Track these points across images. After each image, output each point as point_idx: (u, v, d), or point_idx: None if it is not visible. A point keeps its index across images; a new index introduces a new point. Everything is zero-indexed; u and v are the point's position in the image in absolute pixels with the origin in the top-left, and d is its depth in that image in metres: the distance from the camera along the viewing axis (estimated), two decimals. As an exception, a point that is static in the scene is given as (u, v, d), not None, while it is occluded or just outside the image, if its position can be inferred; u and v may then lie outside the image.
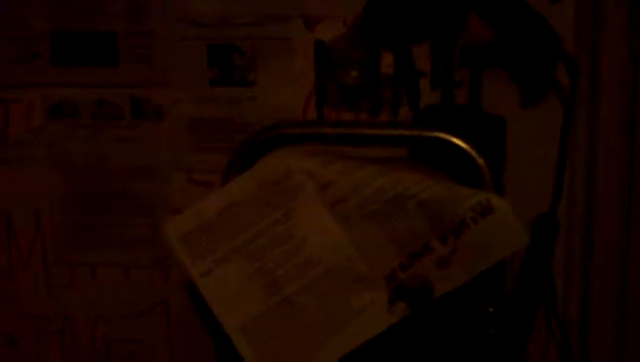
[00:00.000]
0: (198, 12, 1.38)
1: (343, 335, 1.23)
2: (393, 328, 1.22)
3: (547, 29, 1.26)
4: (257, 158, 1.26)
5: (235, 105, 1.40)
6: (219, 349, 1.34)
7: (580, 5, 1.31)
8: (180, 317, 1.47)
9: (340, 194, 1.23)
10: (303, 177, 1.23)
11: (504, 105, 1.32)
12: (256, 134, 1.29)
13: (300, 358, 1.24)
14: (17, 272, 1.50)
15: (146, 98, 1.42)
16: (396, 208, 1.21)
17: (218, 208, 1.25)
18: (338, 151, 1.27)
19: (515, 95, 1.33)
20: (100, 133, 1.44)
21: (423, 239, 1.21)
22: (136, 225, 1.46)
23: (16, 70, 1.44)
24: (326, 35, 1.35)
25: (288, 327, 1.24)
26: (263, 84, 1.39)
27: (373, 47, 1.33)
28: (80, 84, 1.43)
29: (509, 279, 1.28)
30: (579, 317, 1.38)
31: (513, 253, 1.21)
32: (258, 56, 1.38)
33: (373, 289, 1.22)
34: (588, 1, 1.30)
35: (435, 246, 1.21)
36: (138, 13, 1.39)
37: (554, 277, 1.34)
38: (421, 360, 1.27)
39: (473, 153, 1.22)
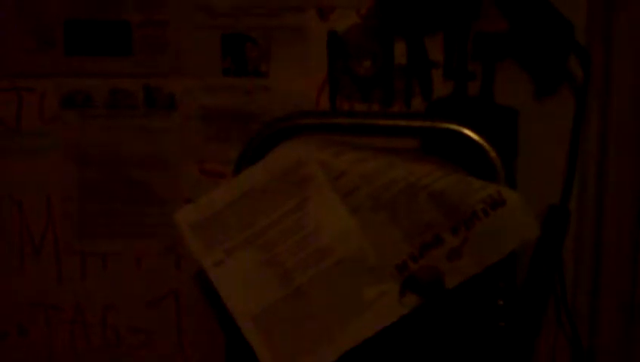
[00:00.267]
0: (212, 2, 1.38)
1: (354, 326, 1.23)
2: (403, 319, 1.22)
3: (560, 20, 1.26)
4: (270, 149, 1.26)
5: (248, 95, 1.40)
6: (229, 339, 1.35)
7: (593, -6, 1.31)
8: (191, 307, 1.48)
9: (351, 185, 1.23)
10: (315, 168, 1.24)
11: (516, 97, 1.32)
12: (269, 124, 1.30)
13: (310, 348, 1.24)
14: (28, 261, 1.51)
15: (160, 88, 1.42)
16: (408, 199, 1.22)
17: (230, 198, 1.25)
18: (350, 142, 1.27)
19: (527, 87, 1.33)
20: (113, 122, 1.44)
21: (434, 230, 1.21)
22: (148, 215, 1.46)
23: (30, 59, 1.44)
24: (339, 26, 1.35)
25: (299, 317, 1.24)
26: (276, 75, 1.39)
27: (387, 38, 1.34)
28: (94, 74, 1.43)
29: (519, 271, 1.29)
30: (589, 309, 1.38)
31: (523, 245, 1.22)
32: (272, 47, 1.38)
33: (385, 280, 1.22)
34: (601, -8, 1.31)
35: (446, 237, 1.21)
36: (152, 3, 1.39)
37: (564, 269, 1.34)
38: (431, 352, 1.27)
39: (485, 145, 1.22)
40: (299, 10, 1.37)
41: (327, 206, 1.24)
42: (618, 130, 1.33)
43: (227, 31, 1.39)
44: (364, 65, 1.35)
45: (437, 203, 1.21)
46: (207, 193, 1.26)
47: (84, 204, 1.48)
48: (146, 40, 1.41)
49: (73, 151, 1.46)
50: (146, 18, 1.40)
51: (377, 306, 1.23)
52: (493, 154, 1.22)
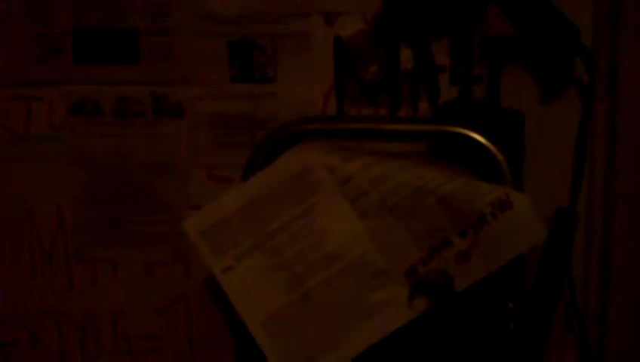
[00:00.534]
0: (219, 9, 1.38)
1: (364, 330, 1.24)
2: (412, 323, 1.23)
3: (566, 24, 1.26)
4: (277, 154, 1.27)
5: (256, 101, 1.40)
6: (239, 344, 1.35)
7: (598, -1, 1.32)
8: (201, 313, 1.48)
9: (360, 190, 1.23)
10: (323, 173, 1.24)
11: (523, 101, 1.32)
12: (277, 130, 1.30)
13: (320, 353, 1.25)
14: (39, 268, 1.51)
15: (167, 95, 1.43)
16: (416, 203, 1.22)
17: (239, 204, 1.26)
18: (358, 147, 1.28)
19: (533, 90, 1.33)
20: (121, 130, 1.45)
21: (443, 234, 1.22)
22: (157, 222, 1.46)
23: (38, 67, 1.44)
24: (345, 31, 1.35)
25: (309, 322, 1.25)
26: (283, 81, 1.39)
27: (393, 43, 1.34)
28: (101, 82, 1.44)
29: (529, 274, 1.29)
30: (598, 311, 1.38)
31: (532, 248, 1.23)
32: (278, 53, 1.38)
33: (393, 283, 1.23)
34: (606, -5, 1.31)
35: (455, 240, 1.21)
36: (159, 11, 1.40)
37: (573, 271, 1.34)
38: (441, 354, 1.27)
39: (492, 148, 1.23)
40: (305, 16, 1.37)
41: (335, 211, 1.24)
42: (625, 132, 1.33)
43: (234, 38, 1.39)
44: (370, 71, 1.35)
45: (445, 206, 1.21)
46: (216, 199, 1.27)
47: (94, 211, 1.48)
48: (153, 48, 1.41)
49: (82, 159, 1.47)
50: (154, 26, 1.41)
51: (386, 310, 1.23)
52: (500, 157, 1.22)
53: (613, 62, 1.31)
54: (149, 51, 1.42)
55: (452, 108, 1.34)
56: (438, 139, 1.31)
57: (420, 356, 1.27)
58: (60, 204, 1.49)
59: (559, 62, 1.29)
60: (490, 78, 1.32)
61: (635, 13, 1.29)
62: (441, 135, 1.28)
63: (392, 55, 1.35)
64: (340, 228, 1.24)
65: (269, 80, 1.40)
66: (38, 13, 1.43)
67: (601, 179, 1.35)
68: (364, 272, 1.23)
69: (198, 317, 1.48)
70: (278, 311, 1.24)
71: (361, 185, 1.23)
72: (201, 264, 1.27)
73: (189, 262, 1.46)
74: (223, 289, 1.25)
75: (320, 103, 1.39)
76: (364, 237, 1.23)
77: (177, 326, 1.50)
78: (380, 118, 1.37)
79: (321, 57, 1.37)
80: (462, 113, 1.32)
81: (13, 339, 1.55)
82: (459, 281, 1.21)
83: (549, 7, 1.26)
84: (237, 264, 1.25)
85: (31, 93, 1.46)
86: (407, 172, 1.23)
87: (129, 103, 1.44)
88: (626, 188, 1.34)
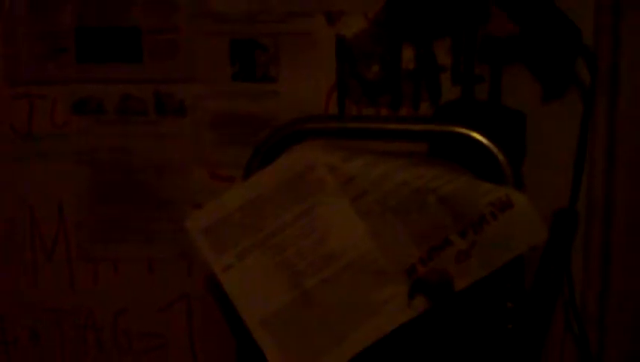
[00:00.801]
0: (221, 8, 1.39)
1: (364, 329, 1.24)
2: (412, 322, 1.23)
3: (568, 24, 1.26)
4: (279, 153, 1.27)
5: (258, 100, 1.41)
6: (240, 342, 1.35)
7: (601, -1, 1.32)
8: (202, 311, 1.48)
9: (361, 189, 1.24)
10: (324, 172, 1.24)
11: (524, 101, 1.33)
12: (278, 129, 1.30)
13: (320, 351, 1.25)
14: (40, 266, 1.52)
15: (170, 94, 1.43)
16: (417, 202, 1.22)
17: (240, 202, 1.26)
18: (359, 146, 1.28)
19: (535, 90, 1.34)
20: (124, 128, 1.45)
21: (443, 233, 1.22)
22: (159, 220, 1.47)
23: (42, 66, 1.45)
24: (347, 31, 1.36)
25: (309, 320, 1.25)
26: (285, 80, 1.40)
27: (395, 42, 1.34)
28: (105, 80, 1.44)
29: (528, 274, 1.29)
30: (597, 312, 1.38)
31: (532, 248, 1.23)
32: (280, 52, 1.39)
33: (394, 283, 1.23)
34: (608, -5, 1.31)
35: (455, 240, 1.22)
36: (162, 10, 1.41)
37: (572, 272, 1.35)
38: (439, 353, 1.27)
39: (493, 148, 1.23)
40: (307, 16, 1.37)
41: (336, 210, 1.24)
42: (626, 133, 1.33)
43: (236, 37, 1.40)
44: (372, 70, 1.36)
45: (445, 206, 1.21)
46: (217, 197, 1.27)
47: (96, 210, 1.49)
48: (156, 46, 1.42)
49: (85, 157, 1.47)
50: (156, 25, 1.41)
51: (386, 309, 1.23)
52: (501, 157, 1.22)
53: (614, 63, 1.31)
54: (151, 50, 1.42)
55: (453, 108, 1.34)
56: (439, 139, 1.32)
57: (418, 355, 1.27)
58: (62, 202, 1.49)
59: (561, 62, 1.29)
60: (492, 77, 1.33)
61: (637, 13, 1.30)
62: (443, 135, 1.28)
63: (393, 54, 1.35)
64: (341, 228, 1.24)
65: (272, 79, 1.40)
66: (41, 12, 1.43)
67: (601, 179, 1.35)
68: (365, 271, 1.24)
69: (200, 315, 1.49)
70: (278, 309, 1.25)
71: (362, 184, 1.23)
72: (202, 262, 1.27)
73: (191, 261, 1.46)
74: (223, 287, 1.25)
75: (322, 102, 1.39)
76: (364, 236, 1.24)
77: (179, 324, 1.50)
78: (382, 118, 1.38)
79: (323, 56, 1.38)
80: (463, 113, 1.33)
81: (15, 337, 1.55)
82: (458, 281, 1.21)
83: (550, 8, 1.26)
84: (238, 262, 1.25)
85: (34, 92, 1.46)
86: (407, 171, 1.23)
87: (132, 102, 1.44)
88: (626, 189, 1.34)
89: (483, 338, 1.26)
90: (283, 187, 1.25)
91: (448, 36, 1.33)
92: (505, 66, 1.32)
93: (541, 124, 1.33)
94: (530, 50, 1.30)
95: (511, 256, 1.21)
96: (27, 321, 1.55)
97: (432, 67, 1.34)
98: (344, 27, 1.36)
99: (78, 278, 1.51)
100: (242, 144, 1.39)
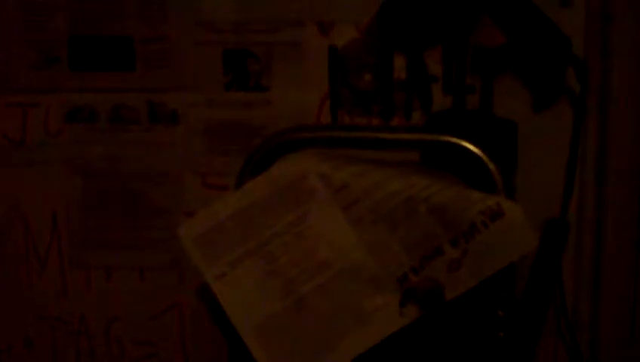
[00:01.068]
0: (214, 18, 1.39)
1: (355, 337, 1.24)
2: (403, 330, 1.23)
3: (557, 34, 1.27)
4: (271, 162, 1.27)
5: (250, 109, 1.41)
6: (232, 351, 1.35)
7: (591, 9, 1.32)
8: (194, 319, 1.49)
9: (353, 197, 1.24)
10: (316, 180, 1.24)
11: (515, 110, 1.33)
12: (271, 138, 1.30)
13: (312, 359, 1.25)
14: (34, 274, 1.52)
15: (162, 102, 1.44)
16: (408, 211, 1.22)
17: (232, 211, 1.26)
18: (351, 155, 1.28)
19: (526, 100, 1.34)
20: (116, 137, 1.46)
21: (435, 242, 1.22)
22: (151, 228, 1.47)
23: (35, 75, 1.45)
24: (340, 40, 1.37)
25: (301, 329, 1.25)
26: (277, 89, 1.40)
27: (386, 52, 1.35)
28: (97, 89, 1.45)
29: (519, 282, 1.29)
30: (589, 320, 1.39)
31: (523, 257, 1.23)
32: (273, 61, 1.40)
33: (385, 291, 1.23)
34: (598, 5, 1.31)
35: (446, 249, 1.21)
36: (155, 19, 1.41)
37: (564, 280, 1.35)
38: (431, 362, 1.28)
39: (484, 157, 1.23)
40: (300, 26, 1.38)
41: (328, 219, 1.24)
42: (616, 142, 1.34)
43: (229, 46, 1.40)
44: (364, 80, 1.36)
45: (437, 215, 1.21)
46: (209, 205, 1.27)
47: (89, 218, 1.49)
48: (148, 56, 1.42)
49: (78, 165, 1.47)
50: (149, 34, 1.42)
51: (378, 317, 1.23)
52: (492, 166, 1.22)
53: (605, 72, 1.32)
54: (144, 59, 1.43)
55: (445, 118, 1.34)
56: (430, 148, 1.32)
57: (411, 363, 1.27)
58: (56, 210, 1.49)
59: (551, 72, 1.30)
60: (483, 87, 1.33)
61: (627, 22, 1.30)
62: (434, 144, 1.28)
63: (385, 64, 1.35)
64: (333, 236, 1.24)
65: (264, 88, 1.41)
66: (34, 20, 1.44)
67: (593, 188, 1.36)
68: (357, 279, 1.24)
69: (192, 323, 1.49)
70: (270, 317, 1.24)
71: (354, 193, 1.23)
72: (195, 270, 1.27)
73: (183, 269, 1.47)
74: (215, 295, 1.25)
75: (314, 112, 1.40)
76: (356, 244, 1.24)
77: (171, 332, 1.50)
78: (374, 127, 1.38)
79: (315, 66, 1.38)
80: (455, 122, 1.33)
81: (8, 345, 1.55)
82: (450, 289, 1.21)
83: (540, 18, 1.27)
84: (230, 271, 1.25)
85: (27, 100, 1.47)
86: (399, 180, 1.23)
87: (125, 110, 1.45)
88: (617, 198, 1.35)
89: (474, 346, 1.26)
90: (275, 195, 1.25)
91: (439, 46, 1.34)
92: (496, 76, 1.32)
93: (532, 134, 1.33)
94: (520, 60, 1.31)
95: (502, 265, 1.21)
96: (21, 328, 1.55)
97: (423, 77, 1.35)
98: (336, 37, 1.37)
99: (71, 286, 1.52)
100: (234, 153, 1.40)
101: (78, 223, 1.49)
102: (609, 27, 1.31)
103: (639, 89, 1.32)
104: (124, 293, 1.50)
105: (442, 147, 1.27)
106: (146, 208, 1.47)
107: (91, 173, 1.47)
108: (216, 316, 1.34)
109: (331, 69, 1.37)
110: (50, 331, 1.54)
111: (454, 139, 1.24)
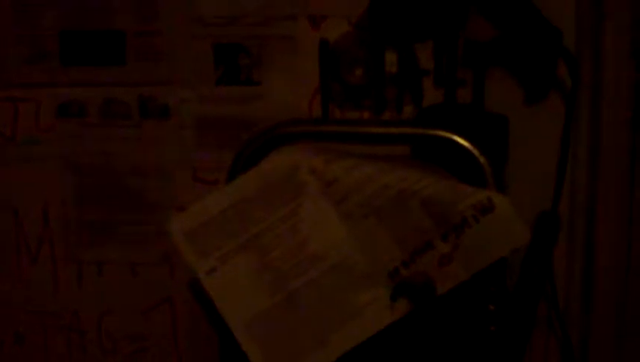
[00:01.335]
0: (205, 12, 1.39)
1: (347, 331, 1.24)
2: (395, 325, 1.23)
3: (548, 26, 1.27)
4: (262, 156, 1.27)
5: (241, 103, 1.41)
6: (223, 346, 1.35)
7: (581, 2, 1.32)
8: (185, 314, 1.49)
9: (344, 192, 1.24)
10: (307, 175, 1.25)
11: (506, 104, 1.33)
12: (262, 132, 1.30)
13: (303, 354, 1.25)
14: (25, 269, 1.52)
15: (153, 97, 1.43)
16: (399, 205, 1.22)
17: (223, 205, 1.26)
18: (342, 149, 1.28)
19: (517, 93, 1.34)
20: (107, 131, 1.45)
21: (425, 236, 1.22)
22: (143, 223, 1.47)
23: (26, 69, 1.45)
24: (331, 34, 1.36)
25: (292, 323, 1.25)
26: (268, 83, 1.40)
27: (378, 46, 1.34)
28: (88, 83, 1.44)
29: (511, 276, 1.29)
30: (580, 314, 1.39)
31: (514, 251, 1.23)
32: (264, 56, 1.39)
33: (376, 285, 1.23)
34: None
35: (437, 243, 1.22)
36: (146, 13, 1.41)
37: (555, 274, 1.35)
38: (422, 357, 1.28)
39: (475, 151, 1.23)
40: (291, 20, 1.38)
41: (319, 213, 1.25)
42: (608, 136, 1.34)
43: (220, 40, 1.40)
44: (355, 74, 1.36)
45: (428, 209, 1.22)
46: (200, 200, 1.27)
47: (80, 213, 1.49)
48: (139, 50, 1.42)
49: (69, 160, 1.47)
50: (140, 28, 1.41)
51: (369, 312, 1.23)
52: (483, 160, 1.23)
53: (597, 65, 1.32)
54: (135, 53, 1.42)
55: (436, 112, 1.34)
56: (421, 142, 1.32)
57: (402, 357, 1.27)
58: (47, 205, 1.49)
59: (542, 65, 1.30)
60: (474, 81, 1.33)
61: (618, 13, 1.30)
62: (425, 138, 1.28)
63: (376, 58, 1.35)
64: (324, 230, 1.25)
65: (255, 83, 1.41)
66: (25, 15, 1.43)
67: (584, 181, 1.36)
68: (348, 274, 1.24)
69: (183, 317, 1.49)
70: (261, 312, 1.25)
71: (345, 187, 1.23)
72: (186, 265, 1.27)
73: (174, 264, 1.47)
74: (206, 290, 1.25)
75: (305, 106, 1.40)
76: (347, 238, 1.24)
77: (162, 327, 1.50)
78: (365, 121, 1.38)
79: (306, 60, 1.38)
80: (446, 116, 1.33)
81: (0, 340, 1.55)
82: (441, 284, 1.21)
83: (531, 10, 1.26)
84: (221, 265, 1.25)
85: (18, 95, 1.46)
86: (390, 174, 1.23)
87: (115, 105, 1.44)
88: (609, 191, 1.35)
89: (466, 340, 1.27)
90: (266, 190, 1.25)
91: (430, 40, 1.34)
92: (487, 70, 1.32)
93: (523, 127, 1.33)
94: (511, 54, 1.31)
95: (493, 259, 1.21)
96: (12, 324, 1.55)
97: (414, 71, 1.35)
98: (327, 31, 1.36)
99: (63, 281, 1.51)
100: (226, 147, 1.40)
101: (69, 218, 1.49)
102: (600, 20, 1.30)
103: (631, 82, 1.32)
104: (116, 288, 1.50)
105: (433, 141, 1.27)
106: (137, 203, 1.46)
107: (82, 168, 1.47)
108: (207, 310, 1.34)
109: (322, 63, 1.37)
110: (42, 326, 1.53)
111: (445, 133, 1.25)
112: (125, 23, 1.41)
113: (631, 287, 1.38)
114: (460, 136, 1.23)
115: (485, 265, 1.21)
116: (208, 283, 1.25)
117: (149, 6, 1.40)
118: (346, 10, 1.35)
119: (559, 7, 1.30)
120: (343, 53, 1.36)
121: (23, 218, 1.50)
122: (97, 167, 1.47)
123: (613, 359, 1.39)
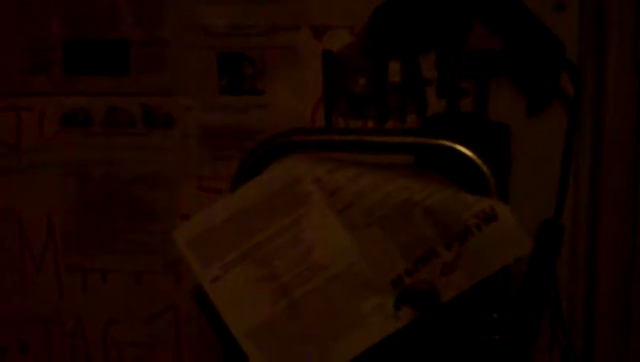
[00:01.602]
0: (209, 21, 1.39)
1: (350, 340, 1.24)
2: (398, 333, 1.23)
3: (551, 38, 1.27)
4: (266, 166, 1.27)
5: (245, 113, 1.41)
6: (227, 354, 1.35)
7: (585, 13, 1.32)
8: (189, 322, 1.49)
9: (347, 201, 1.24)
10: (310, 184, 1.25)
11: (509, 114, 1.34)
12: (265, 141, 1.30)
13: (307, 362, 1.26)
14: (29, 277, 1.52)
15: (157, 106, 1.44)
16: (402, 214, 1.23)
17: (227, 214, 1.26)
18: (346, 158, 1.28)
19: (520, 103, 1.34)
20: (111, 141, 1.46)
21: (429, 245, 1.22)
22: (147, 232, 1.47)
23: (30, 79, 1.45)
24: (334, 44, 1.37)
25: (296, 332, 1.25)
26: (272, 93, 1.40)
27: (381, 56, 1.35)
28: (92, 93, 1.45)
29: (514, 285, 1.30)
30: (583, 323, 1.39)
31: (518, 259, 1.23)
32: (267, 65, 1.40)
33: (380, 294, 1.23)
34: (592, 10, 1.31)
35: (441, 252, 1.22)
36: (150, 23, 1.41)
37: (559, 283, 1.35)
38: (426, 365, 1.28)
39: (478, 161, 1.23)
40: (294, 30, 1.38)
41: (322, 222, 1.25)
42: (611, 146, 1.34)
43: (223, 50, 1.40)
44: (358, 83, 1.36)
45: (431, 218, 1.22)
46: (204, 209, 1.27)
47: (84, 221, 1.49)
48: (143, 59, 1.42)
49: (73, 169, 1.47)
50: (144, 37, 1.42)
51: (372, 320, 1.24)
52: (485, 169, 1.23)
53: (600, 76, 1.32)
54: (139, 63, 1.43)
55: (439, 121, 1.35)
56: (425, 152, 1.32)
57: (405, 366, 1.28)
58: (51, 214, 1.49)
59: (545, 75, 1.30)
60: (477, 91, 1.33)
61: (621, 26, 1.30)
62: (428, 147, 1.29)
63: (380, 68, 1.35)
64: (327, 239, 1.25)
65: (259, 92, 1.41)
66: (29, 24, 1.44)
67: (587, 191, 1.36)
68: (351, 282, 1.24)
69: (187, 326, 1.49)
70: (265, 321, 1.25)
71: (348, 196, 1.24)
72: (190, 273, 1.27)
73: (179, 272, 1.47)
74: (210, 299, 1.26)
75: (309, 115, 1.40)
76: (351, 247, 1.24)
77: (166, 335, 1.50)
78: (368, 130, 1.38)
79: (309, 70, 1.38)
80: (449, 126, 1.34)
81: (4, 347, 1.55)
82: (444, 292, 1.22)
83: (533, 22, 1.27)
84: (225, 274, 1.25)
85: (22, 104, 1.47)
86: (393, 183, 1.23)
87: (119, 114, 1.45)
88: (611, 200, 1.35)
89: (469, 349, 1.27)
90: (270, 199, 1.26)
91: (433, 50, 1.34)
92: (490, 80, 1.33)
93: (526, 137, 1.33)
94: (514, 64, 1.31)
95: (496, 268, 1.21)
96: (17, 332, 1.55)
97: (417, 80, 1.35)
98: (330, 41, 1.37)
99: (67, 288, 1.52)
100: (229, 156, 1.40)
101: (74, 226, 1.49)
102: (603, 31, 1.31)
103: (634, 92, 1.32)
104: (120, 296, 1.50)
105: (436, 150, 1.27)
106: (142, 212, 1.47)
107: (86, 177, 1.47)
108: (211, 319, 1.34)
109: (326, 72, 1.37)
110: (46, 334, 1.54)
111: (448, 143, 1.25)
112: (129, 33, 1.42)
113: (635, 296, 1.38)
114: (463, 145, 1.23)
115: (488, 274, 1.21)
116: (212, 291, 1.25)
117: (154, 15, 1.41)
118: (349, 21, 1.36)
119: (563, 18, 1.31)
120: (347, 63, 1.36)
121: (27, 226, 1.51)
122: (101, 175, 1.47)
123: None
